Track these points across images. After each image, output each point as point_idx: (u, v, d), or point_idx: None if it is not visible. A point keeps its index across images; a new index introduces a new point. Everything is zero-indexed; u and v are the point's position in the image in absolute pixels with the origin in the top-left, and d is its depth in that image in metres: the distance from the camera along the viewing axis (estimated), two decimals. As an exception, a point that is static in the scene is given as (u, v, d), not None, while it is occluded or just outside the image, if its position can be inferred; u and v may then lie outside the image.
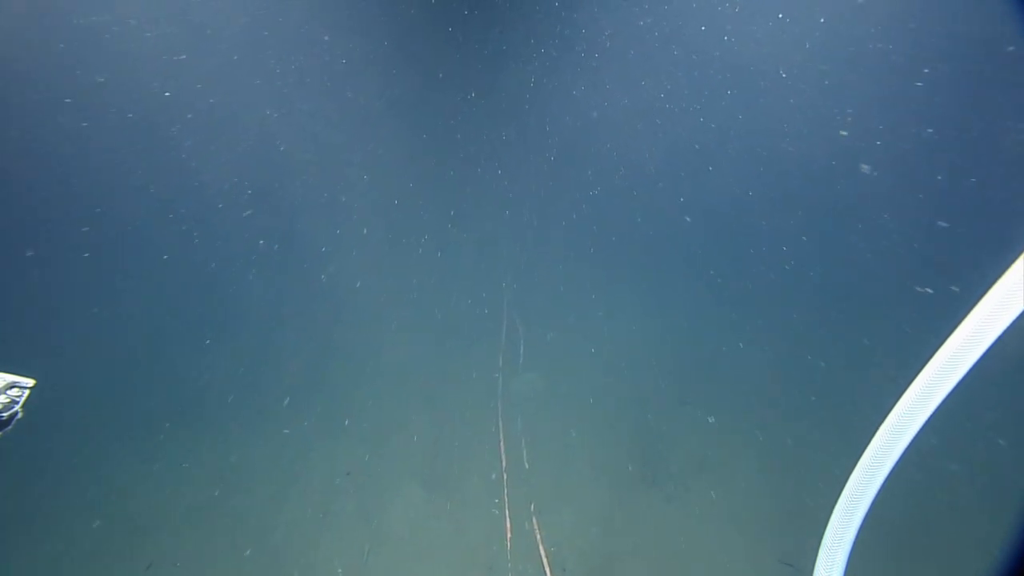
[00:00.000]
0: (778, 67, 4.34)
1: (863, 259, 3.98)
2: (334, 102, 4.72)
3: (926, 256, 3.73)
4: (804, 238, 4.27)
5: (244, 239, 4.36)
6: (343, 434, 3.75)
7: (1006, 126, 3.55)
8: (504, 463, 3.58)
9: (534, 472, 3.54)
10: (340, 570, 3.11)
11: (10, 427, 1.62)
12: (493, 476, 3.52)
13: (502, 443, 3.69)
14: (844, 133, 4.05)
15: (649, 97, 4.79)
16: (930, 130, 3.76)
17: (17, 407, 1.63)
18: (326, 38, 4.79)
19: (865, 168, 3.98)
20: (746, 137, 4.48)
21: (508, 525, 3.28)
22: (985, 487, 3.11)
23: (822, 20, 4.17)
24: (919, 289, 3.58)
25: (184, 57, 4.27)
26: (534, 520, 3.31)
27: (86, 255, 3.89)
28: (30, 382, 1.67)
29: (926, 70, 3.74)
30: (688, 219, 4.51)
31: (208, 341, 4.05)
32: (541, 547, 3.19)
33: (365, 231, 4.64)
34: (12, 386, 1.65)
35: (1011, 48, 3.46)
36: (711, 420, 3.73)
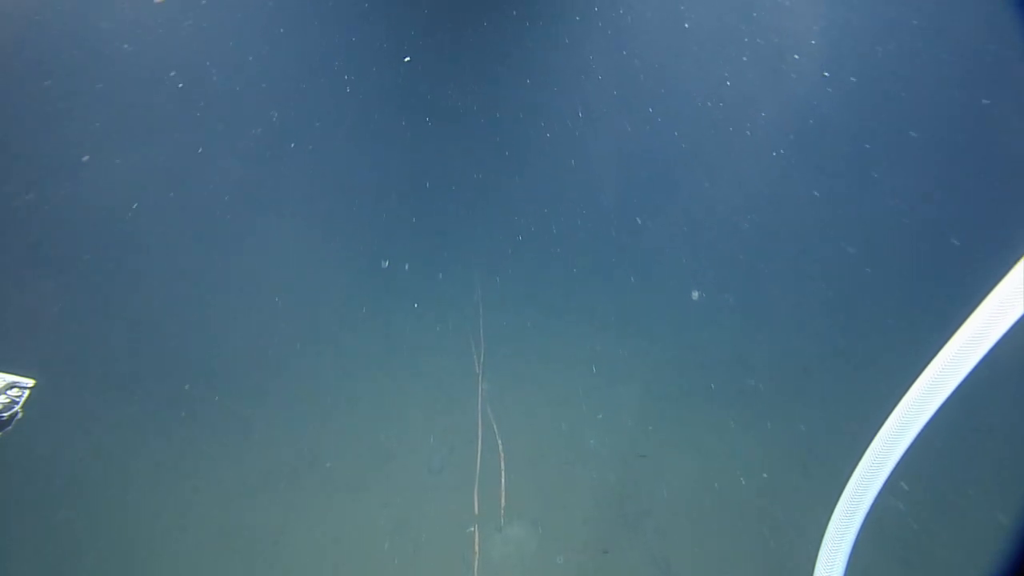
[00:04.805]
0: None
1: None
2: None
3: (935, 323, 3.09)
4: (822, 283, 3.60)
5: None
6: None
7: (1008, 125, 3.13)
8: None
9: None
10: None
11: (10, 427, 1.62)
12: None
13: None
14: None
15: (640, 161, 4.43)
16: (928, 132, 3.34)
17: (17, 407, 1.64)
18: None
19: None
20: (742, 185, 3.93)
21: None
22: (985, 487, 2.56)
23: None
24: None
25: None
26: None
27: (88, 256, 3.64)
28: (30, 382, 1.66)
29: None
30: (700, 294, 3.65)
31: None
32: None
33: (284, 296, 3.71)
34: (12, 386, 1.64)
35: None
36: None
